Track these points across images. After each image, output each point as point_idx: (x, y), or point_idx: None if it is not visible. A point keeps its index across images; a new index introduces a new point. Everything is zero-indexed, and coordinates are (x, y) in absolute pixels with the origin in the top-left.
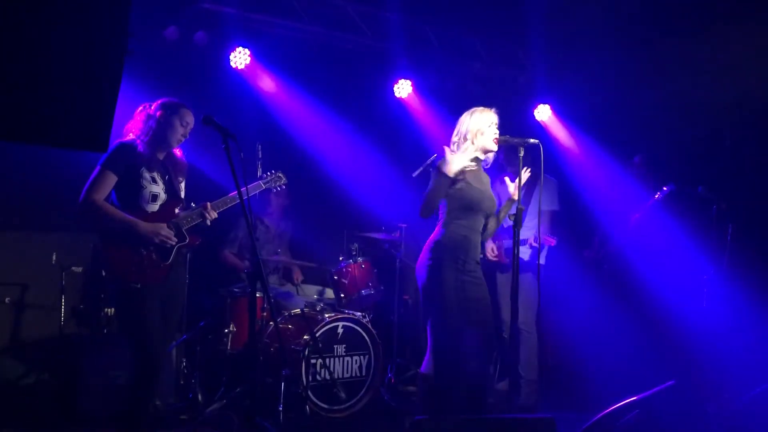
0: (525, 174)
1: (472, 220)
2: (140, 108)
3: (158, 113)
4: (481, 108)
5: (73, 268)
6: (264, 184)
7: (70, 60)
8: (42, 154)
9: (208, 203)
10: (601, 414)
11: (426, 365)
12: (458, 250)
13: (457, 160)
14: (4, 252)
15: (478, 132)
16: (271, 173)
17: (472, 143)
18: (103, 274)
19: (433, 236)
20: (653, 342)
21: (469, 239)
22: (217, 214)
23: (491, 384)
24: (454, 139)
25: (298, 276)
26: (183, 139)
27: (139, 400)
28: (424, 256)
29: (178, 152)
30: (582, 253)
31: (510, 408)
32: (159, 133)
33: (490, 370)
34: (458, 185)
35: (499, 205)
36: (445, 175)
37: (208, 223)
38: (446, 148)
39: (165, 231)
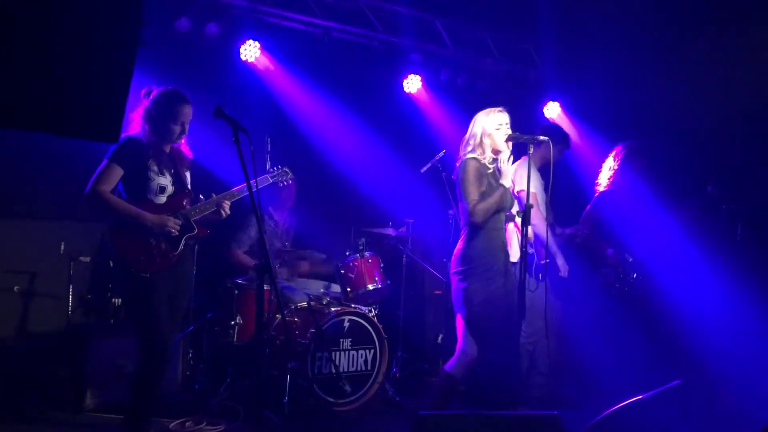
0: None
1: (498, 220)
2: (145, 90)
3: (155, 112)
4: (493, 108)
5: (81, 257)
6: (271, 178)
7: (82, 49)
8: (52, 143)
9: (214, 195)
10: (606, 412)
11: (454, 365)
12: (490, 252)
13: (508, 171)
14: (13, 241)
15: (489, 133)
16: (278, 168)
17: (485, 144)
18: (111, 264)
19: (462, 242)
20: (660, 341)
21: (498, 239)
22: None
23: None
24: (468, 139)
25: (305, 267)
26: (183, 135)
27: (145, 389)
28: (455, 261)
29: (182, 145)
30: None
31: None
32: (158, 131)
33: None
34: (483, 189)
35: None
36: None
37: (224, 215)
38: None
39: (171, 222)
